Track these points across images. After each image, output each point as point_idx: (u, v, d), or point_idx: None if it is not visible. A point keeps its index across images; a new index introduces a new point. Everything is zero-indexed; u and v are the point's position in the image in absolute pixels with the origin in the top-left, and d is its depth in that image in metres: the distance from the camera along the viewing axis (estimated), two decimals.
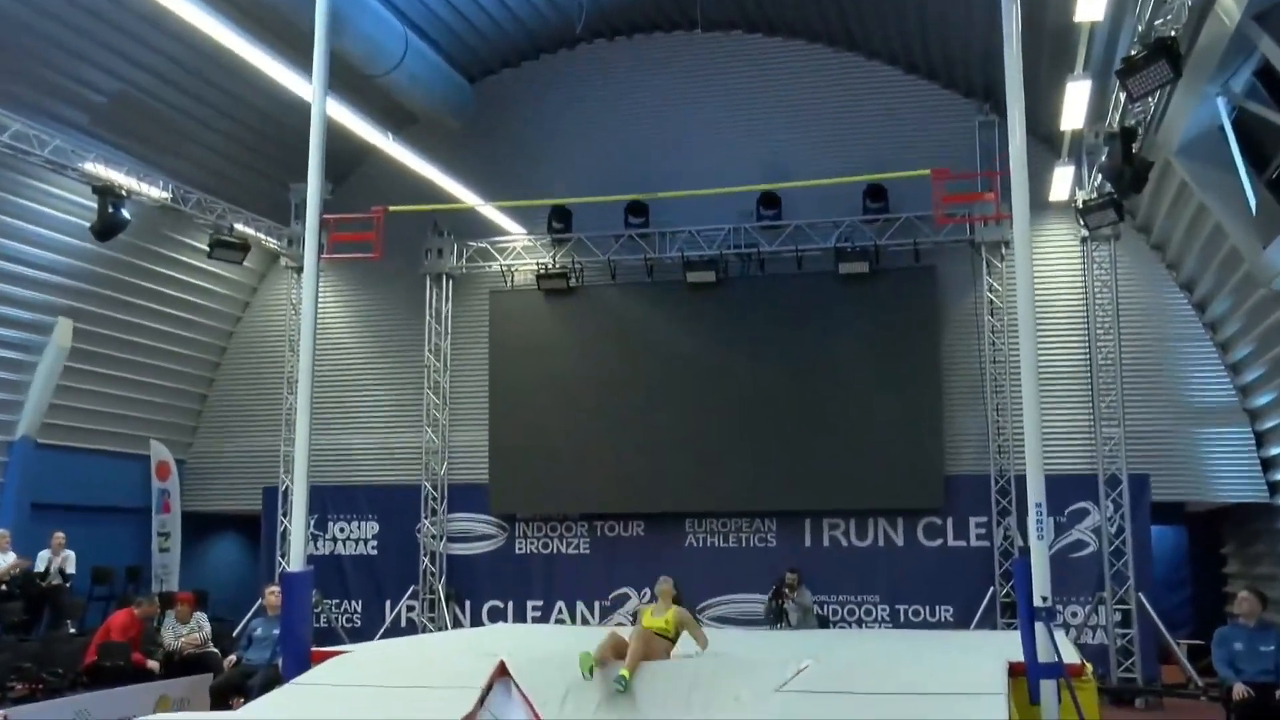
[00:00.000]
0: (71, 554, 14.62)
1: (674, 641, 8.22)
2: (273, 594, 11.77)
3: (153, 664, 11.91)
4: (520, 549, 17.25)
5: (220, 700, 11.11)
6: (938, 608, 15.75)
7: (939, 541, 15.91)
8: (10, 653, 11.76)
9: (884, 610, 15.91)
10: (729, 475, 16.19)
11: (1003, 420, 15.75)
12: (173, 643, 12.25)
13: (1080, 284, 15.89)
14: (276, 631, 10.84)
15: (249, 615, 14.62)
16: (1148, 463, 15.35)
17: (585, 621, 16.41)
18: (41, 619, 14.12)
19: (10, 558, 13.97)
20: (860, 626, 15.73)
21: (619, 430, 16.54)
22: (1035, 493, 7.97)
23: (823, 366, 16.06)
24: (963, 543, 15.85)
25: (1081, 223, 14.67)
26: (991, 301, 16.01)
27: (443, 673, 8.18)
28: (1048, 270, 15.85)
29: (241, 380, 18.84)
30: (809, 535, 16.33)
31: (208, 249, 15.83)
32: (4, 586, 13.76)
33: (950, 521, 15.86)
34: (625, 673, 7.73)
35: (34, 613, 13.98)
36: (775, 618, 14.27)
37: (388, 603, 17.41)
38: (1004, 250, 15.81)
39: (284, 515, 17.04)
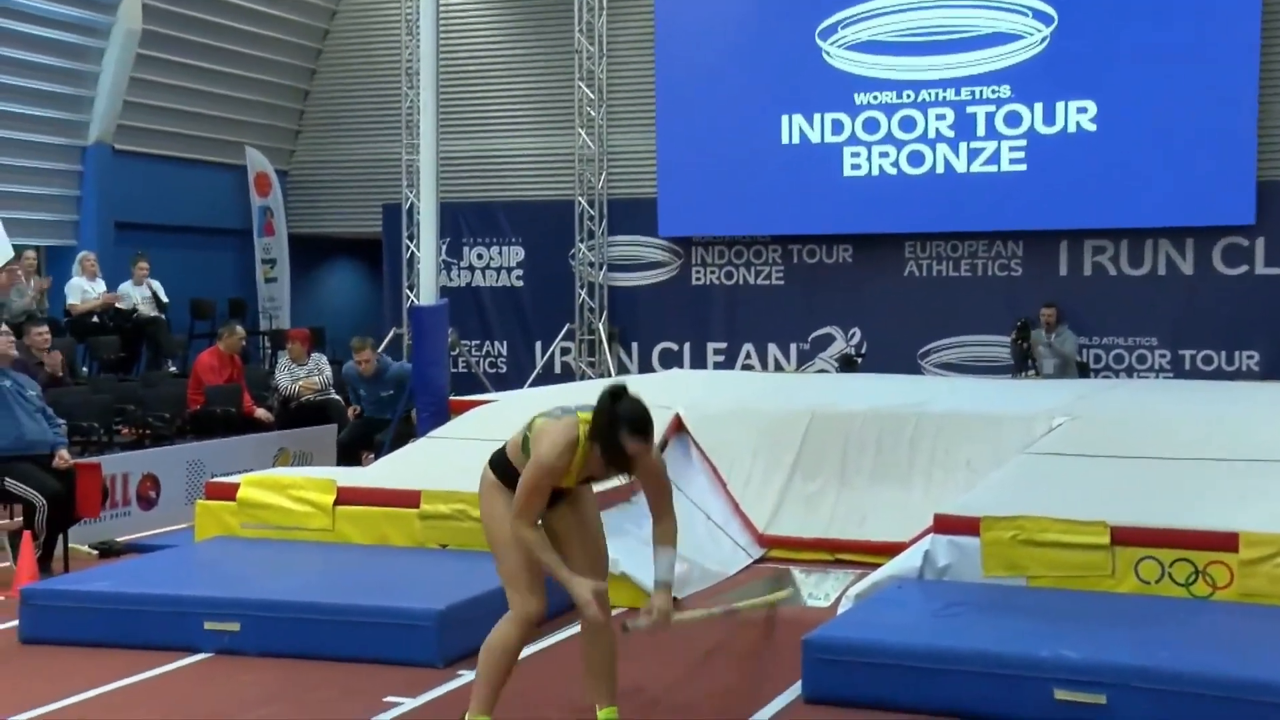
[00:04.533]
0: (157, 284, 15.39)
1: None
2: (365, 357, 12.16)
3: (263, 413, 12.44)
4: (698, 279, 17.36)
5: (349, 456, 11.73)
6: (1237, 354, 15.41)
7: (1243, 268, 15.42)
8: (110, 393, 12.47)
9: (1163, 356, 15.66)
10: (960, 183, 15.89)
11: None
12: (289, 387, 12.84)
13: None
14: (389, 392, 11.72)
15: None
16: None
17: (779, 368, 16.63)
18: (140, 357, 15.08)
19: (100, 286, 14.80)
20: (1131, 376, 15.56)
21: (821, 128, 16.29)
22: None
23: (1087, 35, 15.33)
24: (1276, 269, 15.29)
25: None
26: None
27: None
28: None
29: (350, 72, 19.04)
30: (1065, 261, 16.02)
31: None
32: (96, 319, 14.65)
33: (1261, 242, 15.30)
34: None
35: (130, 350, 14.90)
36: (1021, 364, 14.21)
37: (538, 344, 17.92)
38: None
39: (410, 239, 17.51)
